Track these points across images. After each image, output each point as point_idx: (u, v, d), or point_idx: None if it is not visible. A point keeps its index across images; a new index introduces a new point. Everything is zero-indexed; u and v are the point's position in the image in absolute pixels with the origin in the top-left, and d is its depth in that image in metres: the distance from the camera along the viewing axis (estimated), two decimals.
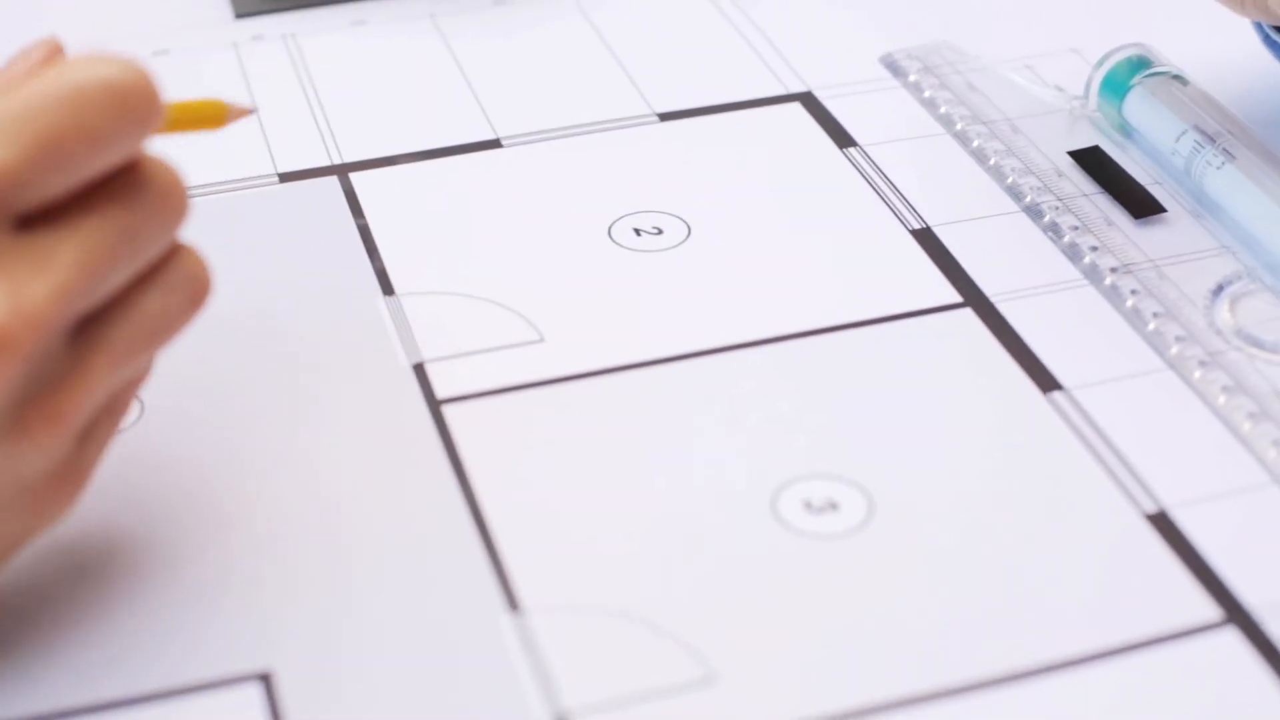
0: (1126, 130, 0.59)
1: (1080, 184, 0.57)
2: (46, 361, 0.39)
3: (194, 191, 0.58)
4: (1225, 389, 0.49)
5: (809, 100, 0.62)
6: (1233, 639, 0.42)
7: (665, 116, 0.62)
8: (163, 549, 0.45)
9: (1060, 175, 0.57)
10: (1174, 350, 0.50)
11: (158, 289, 0.41)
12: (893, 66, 0.64)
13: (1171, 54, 0.60)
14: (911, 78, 0.63)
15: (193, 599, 0.43)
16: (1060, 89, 0.61)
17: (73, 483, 0.41)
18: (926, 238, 0.55)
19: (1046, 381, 0.49)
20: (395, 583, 0.44)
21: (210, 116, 0.46)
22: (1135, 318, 0.52)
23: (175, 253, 0.42)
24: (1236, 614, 0.42)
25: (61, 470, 0.40)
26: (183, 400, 0.49)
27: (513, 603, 0.43)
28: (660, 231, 0.56)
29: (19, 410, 0.39)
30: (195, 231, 0.56)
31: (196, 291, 0.42)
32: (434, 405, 0.49)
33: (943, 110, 0.61)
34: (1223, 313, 0.52)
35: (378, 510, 0.46)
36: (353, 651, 0.42)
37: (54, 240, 0.39)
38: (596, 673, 0.41)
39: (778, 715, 0.40)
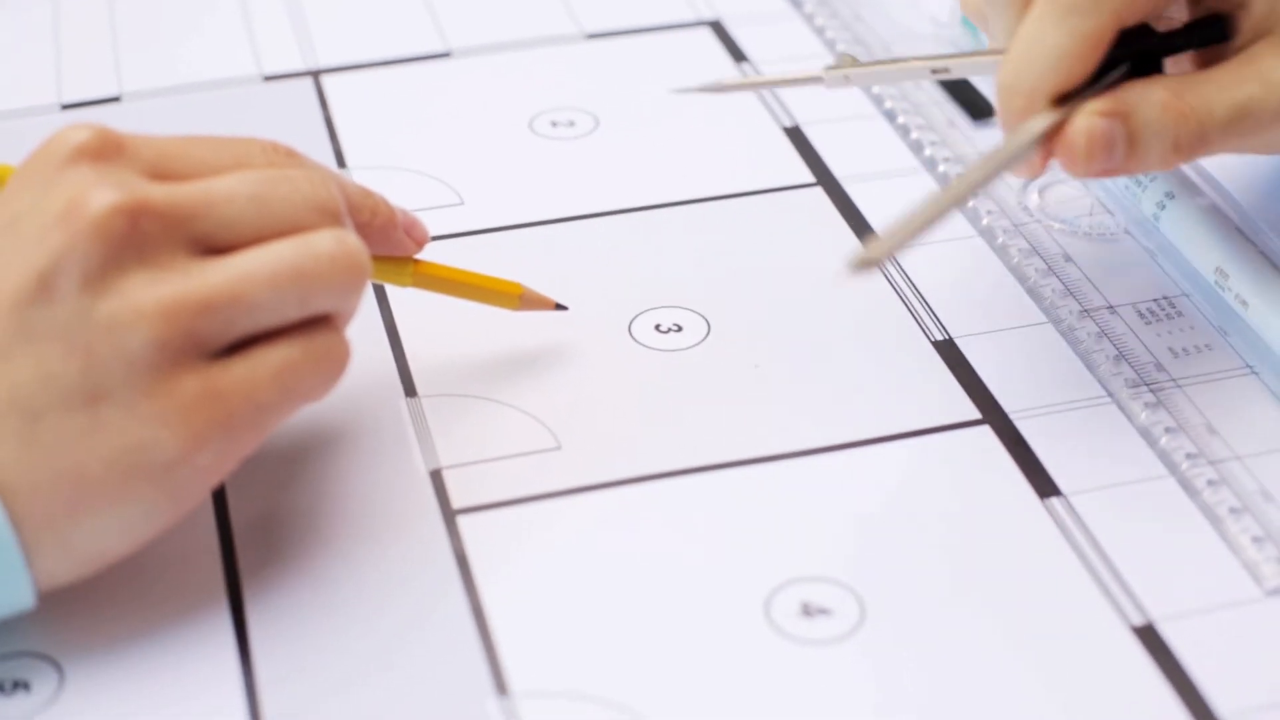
0: None
1: (932, 94, 0.67)
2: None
3: (191, 89, 0.70)
4: (1020, 250, 0.59)
5: (717, 27, 0.73)
6: (987, 432, 0.52)
7: (592, 36, 0.72)
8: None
9: (918, 87, 0.67)
10: (985, 221, 0.60)
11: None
12: None
13: None
14: (807, 9, 0.73)
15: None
16: (935, 19, 0.72)
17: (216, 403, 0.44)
18: (795, 135, 0.65)
19: None
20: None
21: (506, 296, 0.54)
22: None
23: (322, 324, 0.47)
24: (991, 415, 0.53)
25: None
26: None
27: (410, 390, 0.54)
28: (573, 124, 0.66)
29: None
30: (193, 121, 0.68)
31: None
32: None
33: (828, 35, 0.71)
34: (1033, 196, 0.62)
35: None
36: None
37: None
38: (467, 442, 0.52)
39: (610, 473, 0.51)
